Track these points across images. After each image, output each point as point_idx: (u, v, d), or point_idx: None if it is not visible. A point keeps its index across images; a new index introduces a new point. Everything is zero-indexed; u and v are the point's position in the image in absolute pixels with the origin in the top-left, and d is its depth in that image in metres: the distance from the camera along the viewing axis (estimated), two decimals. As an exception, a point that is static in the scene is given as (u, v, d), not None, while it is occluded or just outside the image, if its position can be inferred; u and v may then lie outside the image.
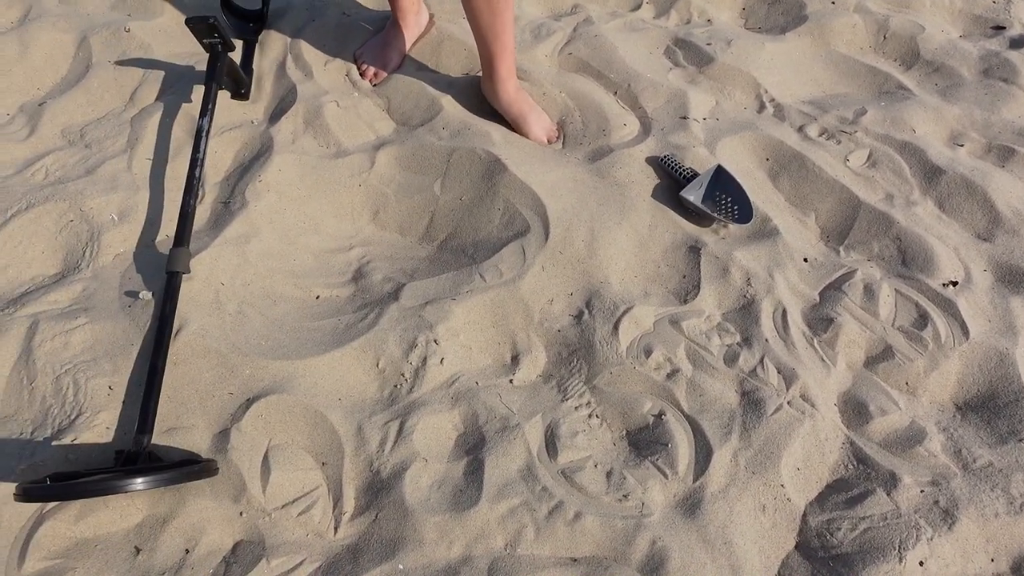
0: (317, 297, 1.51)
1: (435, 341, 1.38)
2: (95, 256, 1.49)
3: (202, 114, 1.64)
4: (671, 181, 1.68)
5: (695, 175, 1.64)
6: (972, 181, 1.65)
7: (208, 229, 1.57)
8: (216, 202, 1.65)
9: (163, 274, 1.44)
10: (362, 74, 1.95)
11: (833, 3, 2.13)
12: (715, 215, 1.59)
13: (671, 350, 1.38)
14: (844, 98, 1.92)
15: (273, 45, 2.01)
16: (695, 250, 1.54)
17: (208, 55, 1.73)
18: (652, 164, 1.70)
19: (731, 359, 1.38)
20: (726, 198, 1.62)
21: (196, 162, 1.56)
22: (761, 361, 1.37)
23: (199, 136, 1.60)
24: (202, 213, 1.61)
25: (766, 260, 1.53)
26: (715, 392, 1.33)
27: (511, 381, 1.37)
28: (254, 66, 1.96)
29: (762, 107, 1.88)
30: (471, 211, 1.63)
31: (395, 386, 1.34)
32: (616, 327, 1.40)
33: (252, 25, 2.03)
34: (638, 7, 2.21)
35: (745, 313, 1.45)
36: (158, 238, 1.55)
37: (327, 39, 2.02)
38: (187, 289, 1.42)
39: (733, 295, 1.48)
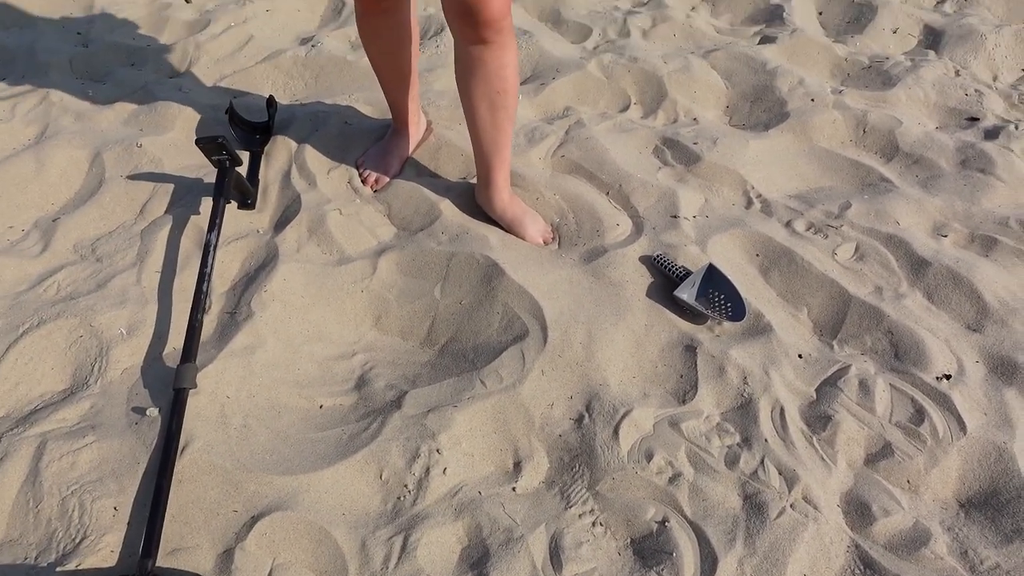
0: (321, 407, 1.53)
1: (438, 451, 1.40)
2: (103, 371, 1.52)
3: (210, 228, 1.70)
4: (665, 280, 1.73)
5: (688, 273, 1.69)
6: (958, 272, 1.69)
7: (215, 341, 1.60)
8: (222, 312, 1.69)
9: (170, 389, 1.47)
10: (364, 180, 2.02)
11: (812, 100, 2.23)
12: (709, 313, 1.63)
13: (672, 453, 1.39)
14: (829, 191, 1.99)
15: (278, 155, 2.09)
16: (691, 349, 1.57)
17: (217, 170, 1.81)
18: (645, 263, 1.75)
19: (732, 461, 1.39)
20: (719, 296, 1.66)
21: (204, 276, 1.61)
22: (762, 462, 1.38)
23: (207, 250, 1.66)
24: (209, 324, 1.65)
25: (761, 357, 1.56)
26: (718, 496, 1.33)
27: (514, 489, 1.38)
28: (260, 176, 2.04)
29: (750, 203, 1.94)
30: (471, 315, 1.67)
31: (399, 498, 1.35)
32: (616, 431, 1.42)
33: (259, 137, 2.12)
34: (626, 108, 2.31)
35: (744, 412, 1.47)
36: (165, 351, 1.58)
37: (330, 147, 2.10)
38: (193, 404, 1.44)
39: (731, 394, 1.50)
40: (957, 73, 2.34)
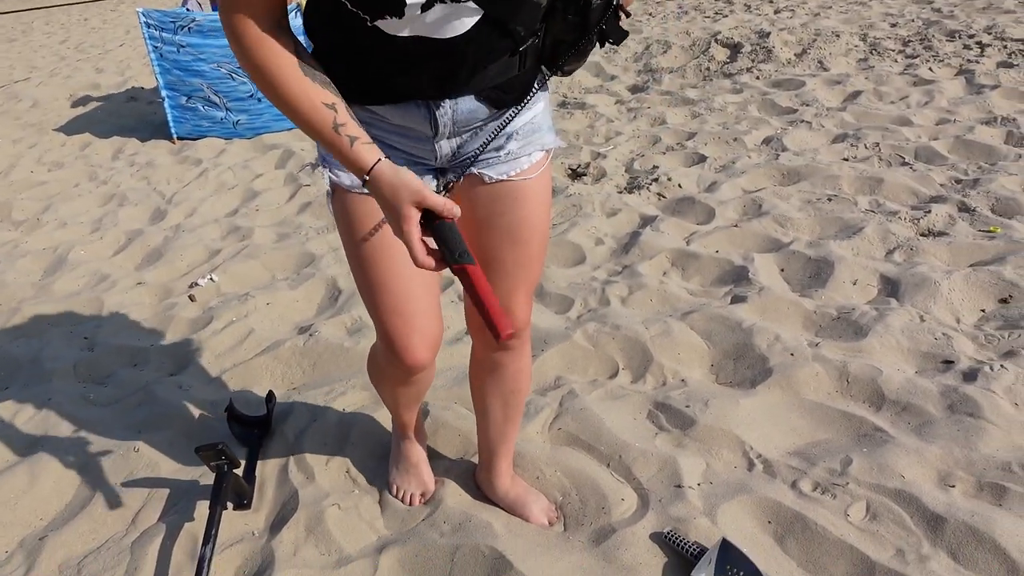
0: None
1: None
2: None
3: (205, 540, 1.65)
4: (679, 559, 1.66)
5: (703, 551, 1.63)
6: (976, 528, 1.64)
7: (203, 671, 1.47)
8: (213, 633, 1.57)
9: None
10: (409, 502, 1.87)
11: (792, 355, 2.32)
12: (732, 596, 1.54)
13: None
14: (826, 445, 1.99)
15: (276, 449, 2.09)
16: (719, 641, 1.46)
17: (214, 476, 1.79)
18: (657, 542, 1.70)
19: None
20: (738, 573, 1.59)
21: (196, 597, 1.53)
22: None
23: (201, 567, 1.59)
24: (197, 650, 1.53)
25: (795, 645, 1.45)
26: None
27: None
28: (257, 472, 2.02)
29: (751, 464, 1.94)
30: (480, 617, 1.57)
31: None
32: None
33: (257, 432, 2.14)
34: (615, 374, 2.39)
35: None
36: None
37: (328, 438, 2.12)
38: None
39: None
40: (922, 319, 2.48)
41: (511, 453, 1.81)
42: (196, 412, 2.27)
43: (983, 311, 2.54)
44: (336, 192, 1.34)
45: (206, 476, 1.99)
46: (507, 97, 1.27)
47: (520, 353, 1.62)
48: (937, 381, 2.17)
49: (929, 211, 3.18)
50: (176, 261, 3.49)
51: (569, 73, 1.33)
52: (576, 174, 4.13)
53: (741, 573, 1.59)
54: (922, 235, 3.05)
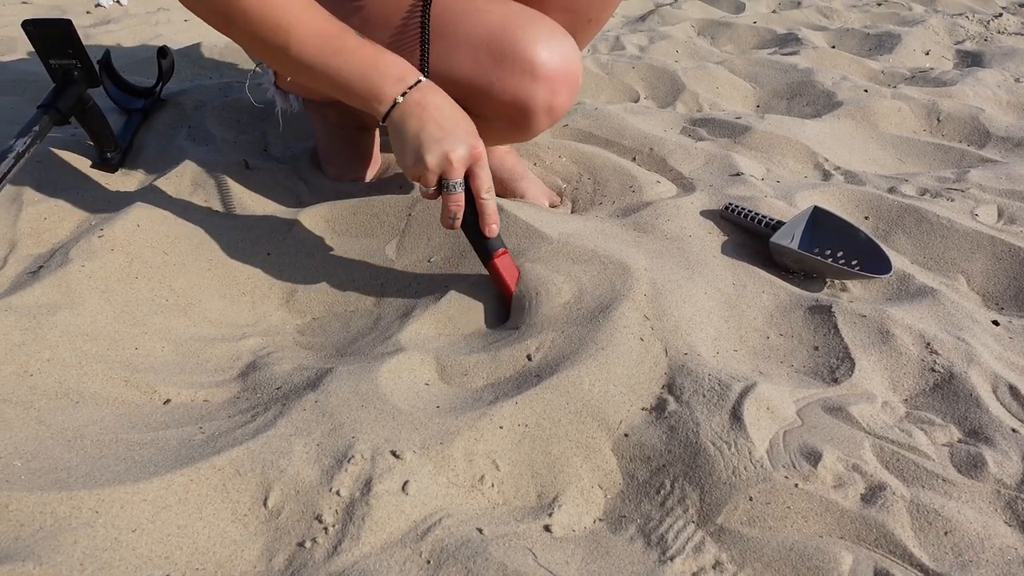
0: (167, 402, 0.81)
1: (393, 453, 0.68)
2: None
3: (20, 133, 1.05)
4: (746, 236, 1.13)
5: (780, 224, 1.09)
6: None
7: (-12, 299, 0.89)
8: (24, 273, 0.99)
9: None
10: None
11: (866, 91, 1.79)
12: (839, 266, 1.01)
13: (852, 452, 0.71)
14: (926, 174, 1.48)
15: (165, 118, 1.49)
16: (824, 310, 0.94)
17: (56, 79, 1.18)
18: (711, 218, 1.16)
19: (969, 465, 0.72)
20: (835, 251, 1.07)
21: (-14, 188, 0.94)
22: (1028, 464, 0.71)
23: (3, 155, 1.00)
24: (-10, 283, 0.95)
25: (941, 321, 0.93)
26: (970, 526, 0.65)
27: (547, 528, 0.66)
28: (136, 138, 1.41)
29: (827, 176, 1.41)
30: (445, 276, 1.01)
31: (302, 543, 0.61)
32: (738, 415, 0.74)
33: (141, 99, 1.52)
34: (636, 101, 1.83)
35: (946, 394, 0.81)
36: None
37: (243, 114, 1.51)
38: None
39: (913, 369, 0.85)
40: (1017, 80, 1.97)
41: None
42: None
43: (1087, 88, 2.04)
44: None
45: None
46: None
47: None
48: (1055, 124, 1.67)
49: (1000, 15, 2.67)
50: (80, -1, 2.78)
51: None
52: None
53: (840, 252, 1.07)
54: (998, 32, 2.54)
